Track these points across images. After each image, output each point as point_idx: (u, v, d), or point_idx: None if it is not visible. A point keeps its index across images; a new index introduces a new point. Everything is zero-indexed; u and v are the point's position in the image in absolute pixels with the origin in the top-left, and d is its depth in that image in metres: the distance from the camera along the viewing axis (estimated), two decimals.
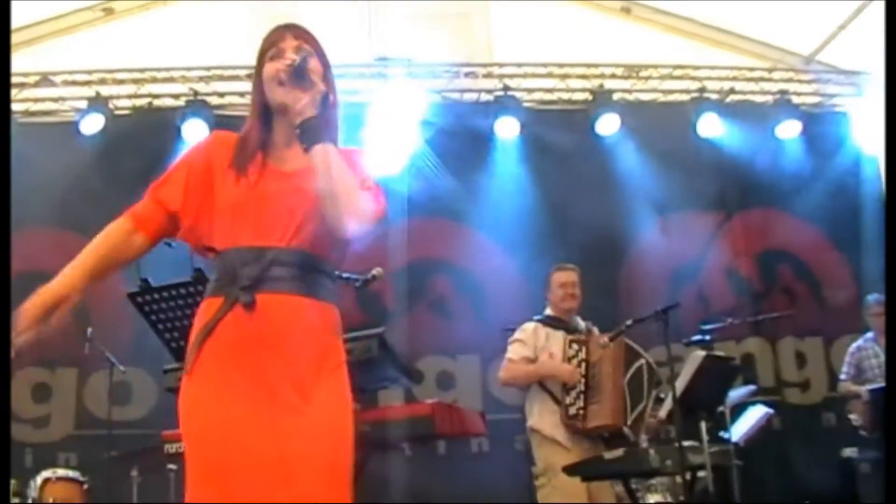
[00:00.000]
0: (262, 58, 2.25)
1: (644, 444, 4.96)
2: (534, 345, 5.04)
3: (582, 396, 4.84)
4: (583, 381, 4.85)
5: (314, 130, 2.10)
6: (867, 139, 7.82)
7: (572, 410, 4.85)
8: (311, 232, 2.13)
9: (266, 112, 2.24)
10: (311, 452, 1.99)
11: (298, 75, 2.12)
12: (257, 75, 2.25)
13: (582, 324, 5.23)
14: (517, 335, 5.11)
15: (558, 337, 5.05)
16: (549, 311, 5.23)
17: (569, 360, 4.93)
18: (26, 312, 2.05)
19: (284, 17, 2.30)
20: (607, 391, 4.80)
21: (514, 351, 5.07)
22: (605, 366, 4.86)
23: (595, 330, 5.23)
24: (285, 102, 2.16)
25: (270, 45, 2.24)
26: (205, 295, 2.16)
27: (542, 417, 4.95)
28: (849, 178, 7.85)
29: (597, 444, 4.88)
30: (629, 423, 4.81)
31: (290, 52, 2.19)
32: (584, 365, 4.89)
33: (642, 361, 4.96)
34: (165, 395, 4.29)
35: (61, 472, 5.34)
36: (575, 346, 4.95)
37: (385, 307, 7.09)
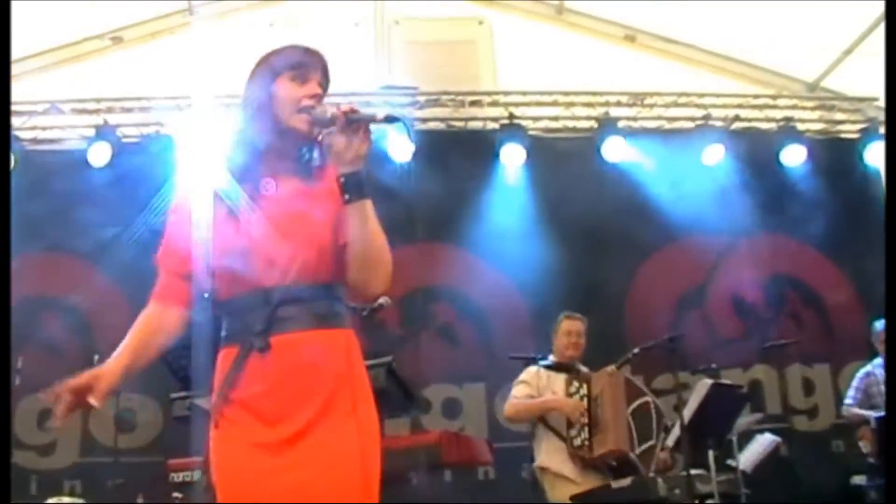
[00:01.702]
0: (278, 69, 2.16)
1: (652, 474, 4.96)
2: (537, 385, 5.24)
3: (586, 428, 4.97)
4: (586, 414, 4.99)
5: (361, 185, 2.05)
6: (873, 164, 7.84)
7: (577, 441, 4.96)
8: (313, 260, 2.08)
9: (267, 122, 2.15)
10: (338, 493, 1.99)
11: (357, 125, 2.03)
12: (268, 83, 2.15)
13: (584, 369, 5.38)
14: (521, 377, 5.33)
15: (560, 378, 5.24)
16: (552, 358, 5.42)
17: (570, 396, 5.11)
18: (62, 396, 2.16)
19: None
20: (610, 420, 4.91)
21: (518, 391, 5.28)
22: (605, 397, 4.99)
23: None
24: (309, 133, 2.12)
25: (295, 65, 2.16)
26: (220, 345, 2.13)
27: (550, 455, 5.08)
28: (854, 204, 7.82)
29: (605, 476, 4.94)
30: (637, 453, 4.84)
31: (315, 84, 2.15)
32: (585, 399, 5.06)
33: (647, 398, 5.11)
34: (171, 423, 4.29)
35: (67, 499, 5.33)
36: (576, 384, 5.14)
37: (390, 335, 7.06)
